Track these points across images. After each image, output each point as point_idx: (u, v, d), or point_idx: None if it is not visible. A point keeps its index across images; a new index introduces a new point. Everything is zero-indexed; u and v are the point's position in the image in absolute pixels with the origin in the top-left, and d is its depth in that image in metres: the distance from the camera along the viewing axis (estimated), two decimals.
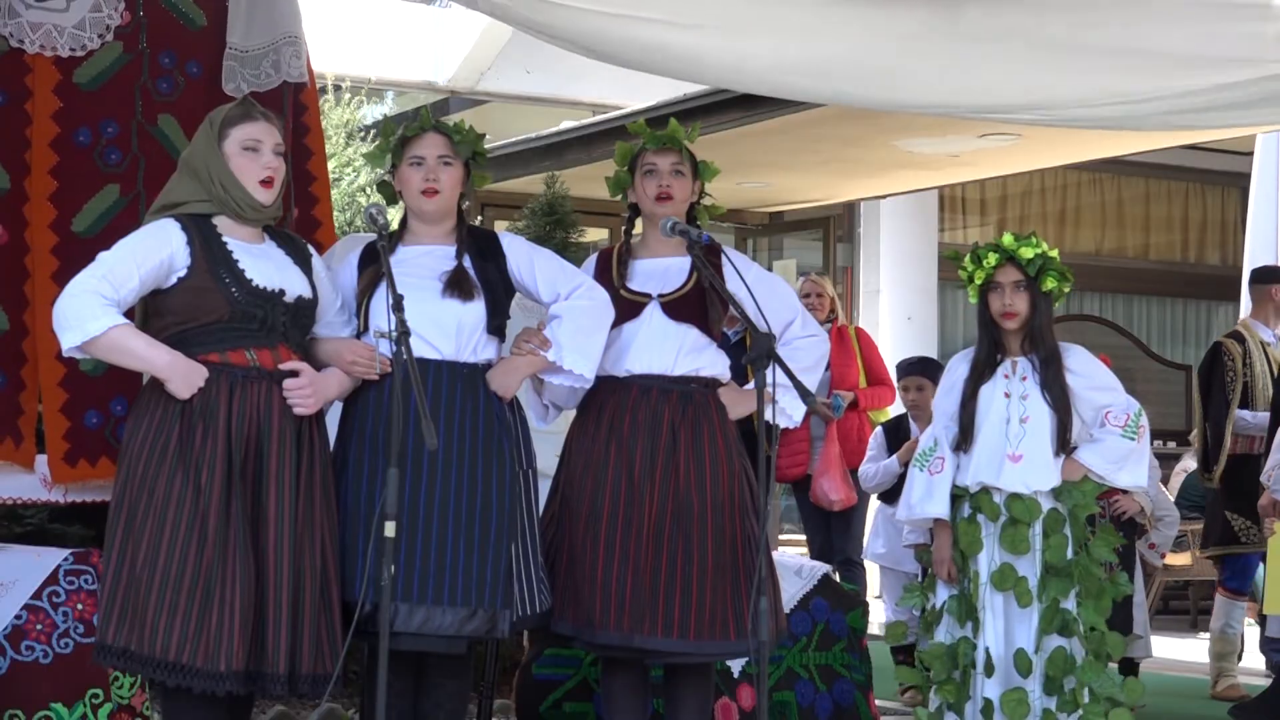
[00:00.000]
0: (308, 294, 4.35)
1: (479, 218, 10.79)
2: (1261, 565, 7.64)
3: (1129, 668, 7.01)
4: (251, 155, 4.27)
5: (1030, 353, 5.23)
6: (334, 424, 4.50)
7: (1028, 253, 5.18)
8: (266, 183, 4.28)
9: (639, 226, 4.94)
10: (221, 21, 5.26)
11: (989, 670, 5.09)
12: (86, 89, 5.08)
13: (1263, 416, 7.61)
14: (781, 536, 11.31)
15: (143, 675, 4.46)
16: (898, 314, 12.50)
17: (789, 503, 10.12)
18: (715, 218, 5.09)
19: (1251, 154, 10.45)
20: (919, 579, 5.86)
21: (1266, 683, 7.26)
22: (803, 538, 8.07)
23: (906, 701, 7.05)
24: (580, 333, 4.60)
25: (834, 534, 7.63)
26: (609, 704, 4.81)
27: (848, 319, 8.99)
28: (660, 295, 4.79)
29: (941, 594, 5.27)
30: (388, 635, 4.01)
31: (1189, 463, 11.32)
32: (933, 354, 10.35)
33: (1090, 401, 5.23)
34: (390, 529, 3.98)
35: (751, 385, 4.47)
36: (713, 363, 4.82)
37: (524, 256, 4.68)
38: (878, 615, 8.15)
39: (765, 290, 4.79)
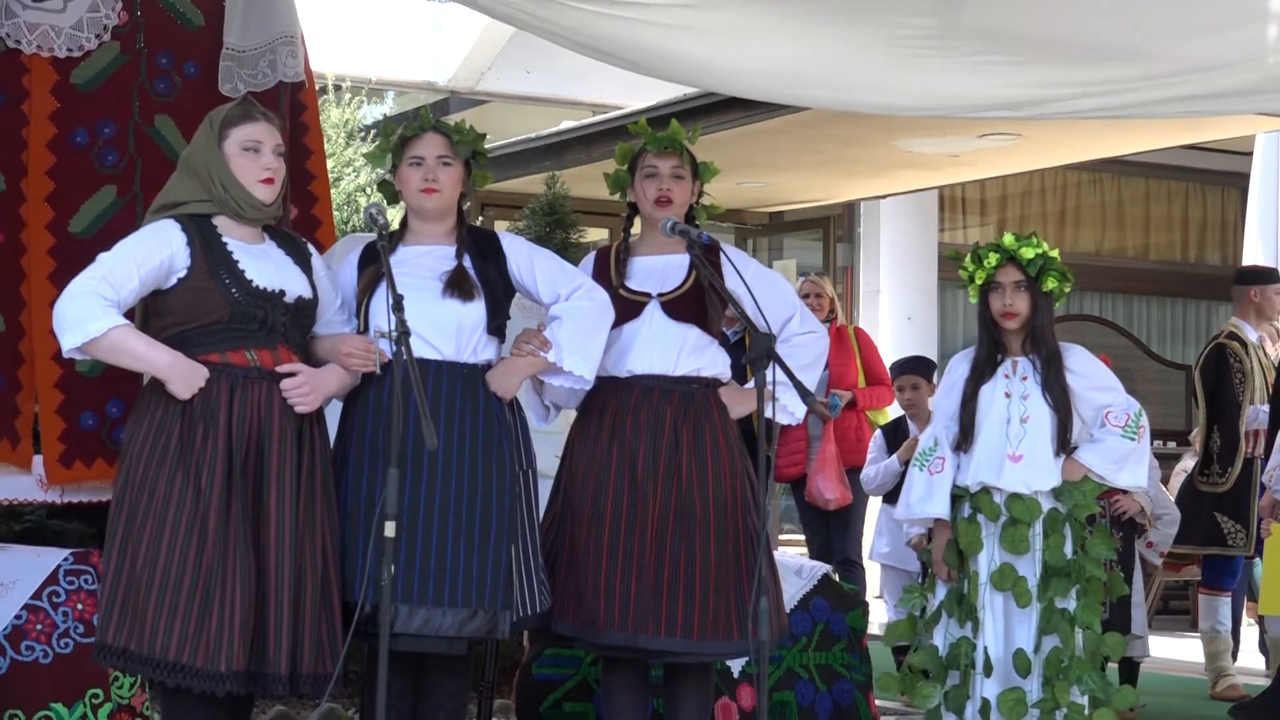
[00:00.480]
0: (308, 294, 4.34)
1: (479, 218, 10.79)
2: (1258, 564, 7.63)
3: (1129, 668, 7.01)
4: (252, 156, 4.27)
5: (1031, 353, 5.22)
6: (334, 423, 4.50)
7: (1028, 253, 5.18)
8: (267, 182, 4.28)
9: (638, 225, 4.94)
10: (219, 21, 5.25)
11: (988, 670, 5.08)
12: (84, 90, 5.07)
13: (1262, 409, 7.61)
14: (781, 536, 11.31)
15: (143, 675, 4.46)
16: (898, 314, 12.49)
17: (789, 503, 10.11)
18: (715, 217, 5.09)
19: (1251, 154, 10.46)
20: (920, 579, 5.86)
21: (1266, 682, 7.26)
22: (802, 538, 8.06)
23: (906, 702, 7.04)
24: (580, 334, 4.60)
25: (833, 534, 7.63)
26: (609, 704, 4.81)
27: (848, 319, 8.99)
28: (660, 294, 4.78)
29: (941, 594, 5.27)
30: (388, 636, 4.01)
31: (1189, 463, 11.31)
32: (933, 354, 10.36)
33: (1090, 401, 5.22)
34: (390, 529, 3.98)
35: (752, 384, 4.47)
36: (713, 362, 4.81)
37: (524, 257, 4.67)
38: (878, 615, 8.14)
39: (764, 287, 4.79)
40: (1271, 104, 5.94)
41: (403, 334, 4.08)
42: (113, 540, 4.13)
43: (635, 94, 10.63)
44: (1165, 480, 9.60)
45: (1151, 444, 5.39)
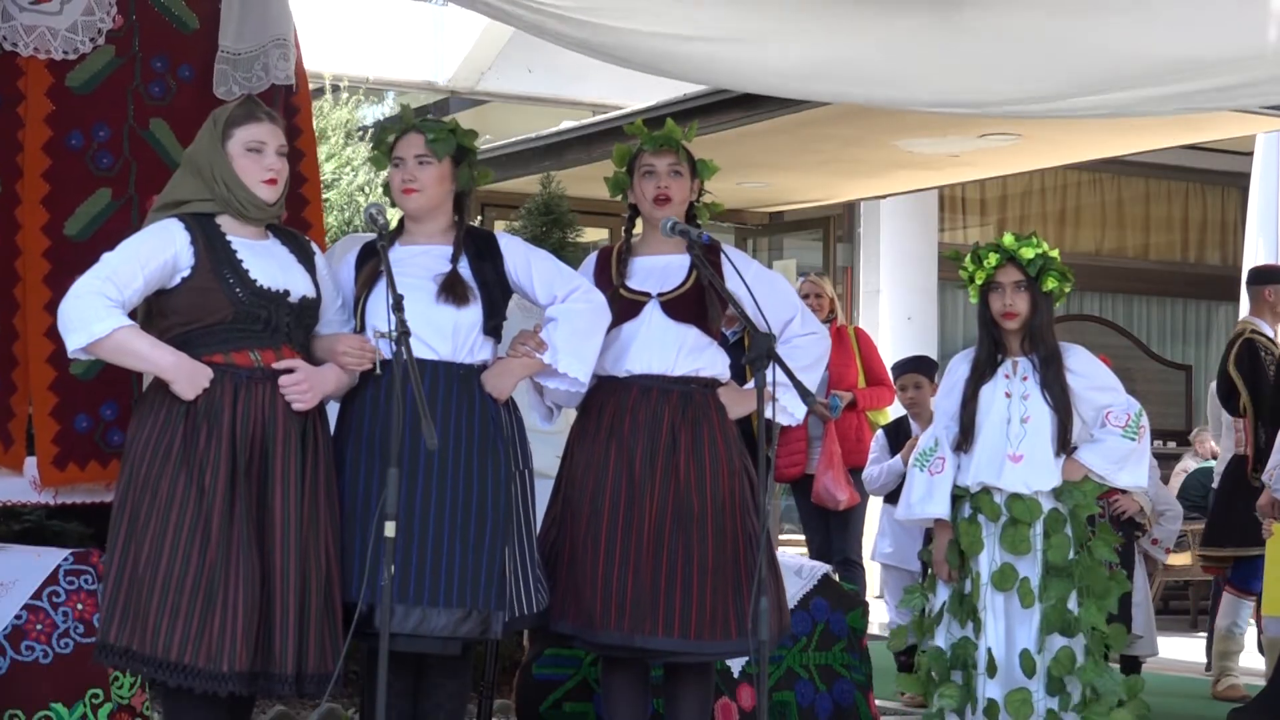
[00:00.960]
0: (311, 294, 4.34)
1: (479, 218, 10.78)
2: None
3: (1131, 666, 7.00)
4: (255, 156, 4.26)
5: (1031, 353, 5.22)
6: (333, 423, 4.49)
7: (1028, 253, 5.17)
8: (270, 183, 4.27)
9: (639, 226, 4.93)
10: (213, 24, 5.23)
11: (991, 671, 5.08)
12: (79, 92, 5.05)
13: None
14: (781, 536, 11.30)
15: (144, 675, 4.45)
16: (898, 314, 12.50)
17: (789, 503, 10.11)
18: (715, 217, 5.09)
19: (1251, 154, 10.46)
20: (922, 580, 5.85)
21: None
22: (802, 538, 8.06)
23: (906, 703, 7.04)
24: (576, 336, 4.59)
25: (833, 534, 7.62)
26: (609, 704, 4.80)
27: (848, 319, 8.98)
28: (659, 294, 4.78)
29: (942, 594, 5.26)
30: (388, 636, 4.00)
31: (1189, 463, 11.32)
32: (933, 354, 10.34)
33: (1091, 401, 5.22)
34: (390, 529, 3.97)
35: (751, 385, 4.46)
36: (713, 362, 4.81)
37: (521, 258, 4.67)
38: (878, 615, 8.14)
39: (765, 288, 4.78)
40: (1271, 96, 5.95)
41: (403, 334, 4.08)
42: (115, 540, 4.13)
43: (635, 94, 10.64)
44: (1165, 480, 9.60)
45: (1151, 444, 5.39)
